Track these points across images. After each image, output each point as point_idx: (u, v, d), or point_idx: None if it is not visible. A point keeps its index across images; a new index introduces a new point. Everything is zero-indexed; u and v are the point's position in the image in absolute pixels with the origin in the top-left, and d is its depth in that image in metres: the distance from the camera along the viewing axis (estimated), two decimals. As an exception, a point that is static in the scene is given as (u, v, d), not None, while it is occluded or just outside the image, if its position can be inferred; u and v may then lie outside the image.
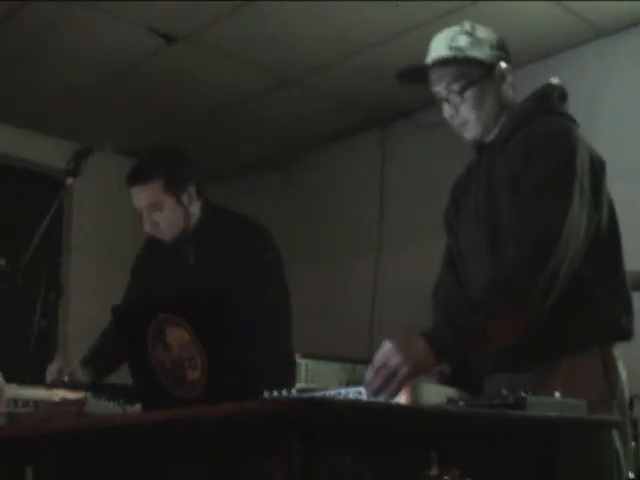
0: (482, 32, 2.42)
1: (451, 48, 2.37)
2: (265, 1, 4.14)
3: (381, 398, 1.86)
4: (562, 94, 2.44)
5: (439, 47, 2.40)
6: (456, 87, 2.37)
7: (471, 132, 2.41)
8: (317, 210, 5.90)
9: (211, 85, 5.05)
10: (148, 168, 3.23)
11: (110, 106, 5.31)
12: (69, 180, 3.23)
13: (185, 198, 3.23)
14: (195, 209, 3.27)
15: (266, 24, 4.35)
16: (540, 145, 2.26)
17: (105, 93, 5.12)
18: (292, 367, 3.54)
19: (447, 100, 2.40)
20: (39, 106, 5.31)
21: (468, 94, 2.36)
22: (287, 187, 6.15)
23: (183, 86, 5.07)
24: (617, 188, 2.39)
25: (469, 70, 2.37)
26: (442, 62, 2.38)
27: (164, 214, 3.21)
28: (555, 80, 2.46)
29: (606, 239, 2.27)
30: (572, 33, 4.46)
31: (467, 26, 2.42)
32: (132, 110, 5.39)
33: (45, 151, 5.62)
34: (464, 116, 2.39)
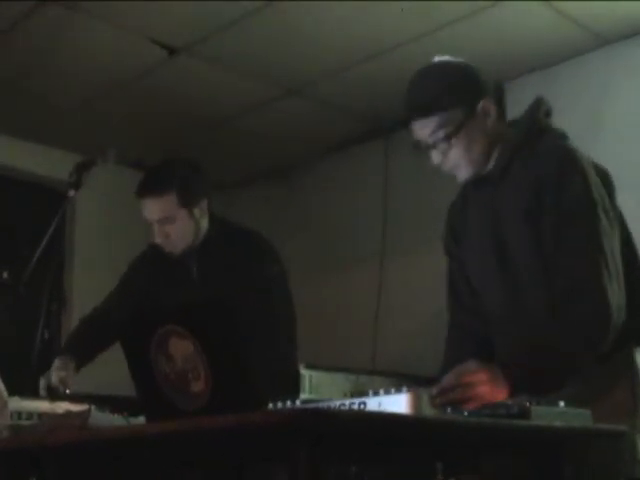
0: (457, 71, 2.36)
1: (431, 98, 2.32)
2: (267, 10, 4.14)
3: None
4: (547, 110, 2.41)
5: (419, 98, 2.35)
6: (441, 134, 2.32)
7: (463, 174, 2.38)
8: (321, 219, 5.90)
9: (214, 95, 5.05)
10: (162, 180, 3.17)
11: (113, 117, 5.31)
12: (71, 192, 3.23)
13: (197, 212, 3.20)
14: (205, 222, 3.25)
15: (269, 34, 4.35)
16: (551, 176, 2.23)
17: (108, 104, 5.13)
18: (297, 379, 3.55)
19: (434, 147, 2.35)
20: (41, 118, 5.31)
21: (454, 141, 2.32)
22: (291, 196, 6.15)
23: (186, 97, 5.07)
24: (621, 197, 2.38)
25: (453, 115, 2.31)
26: (424, 115, 2.33)
27: (176, 227, 3.17)
28: (539, 96, 2.42)
29: (623, 248, 2.26)
30: (575, 42, 4.45)
31: (442, 69, 2.37)
32: (135, 121, 5.39)
33: (47, 163, 5.62)
34: (454, 160, 2.36)
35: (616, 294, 2.12)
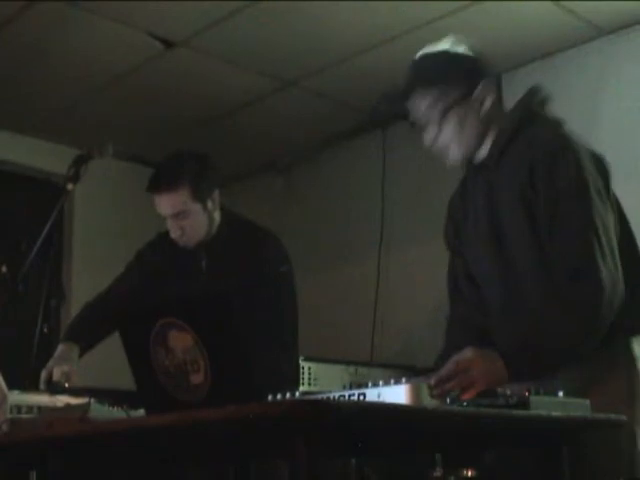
0: (462, 51, 2.38)
1: (433, 69, 2.35)
2: (264, 2, 4.13)
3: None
4: (543, 98, 2.42)
5: (422, 68, 2.38)
6: (438, 108, 2.34)
7: (453, 156, 2.39)
8: (319, 212, 5.90)
9: (211, 89, 5.04)
10: (175, 175, 3.16)
11: (110, 111, 5.30)
12: (69, 186, 3.22)
13: (210, 204, 3.20)
14: (217, 215, 3.25)
15: (265, 27, 4.34)
16: (545, 162, 2.24)
17: (105, 98, 5.12)
18: (297, 377, 3.56)
19: (427, 125, 2.37)
20: (39, 112, 5.30)
21: (448, 118, 2.34)
22: (289, 189, 6.15)
23: (183, 90, 5.06)
24: (618, 186, 2.38)
25: (451, 91, 2.34)
26: (423, 87, 2.36)
27: (191, 221, 3.17)
28: (536, 85, 2.43)
29: (620, 236, 2.27)
30: (572, 32, 4.45)
31: (448, 46, 2.39)
32: (132, 115, 5.38)
33: (45, 157, 5.62)
34: (444, 140, 2.37)
35: (611, 272, 2.13)
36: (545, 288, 2.20)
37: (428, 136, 2.39)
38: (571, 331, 2.11)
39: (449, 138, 2.36)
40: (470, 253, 2.48)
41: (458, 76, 2.35)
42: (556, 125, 2.36)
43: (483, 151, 2.40)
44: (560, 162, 2.22)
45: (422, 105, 2.36)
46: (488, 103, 2.37)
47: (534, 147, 2.28)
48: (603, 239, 2.15)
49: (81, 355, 3.22)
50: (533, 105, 2.39)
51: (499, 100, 2.41)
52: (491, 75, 2.41)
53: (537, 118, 2.37)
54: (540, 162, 2.24)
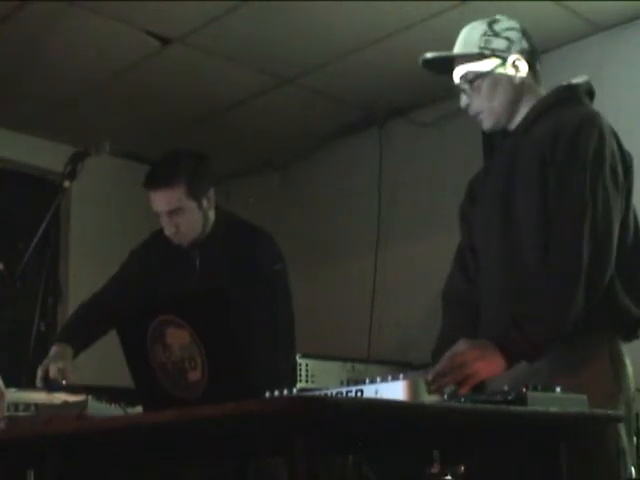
0: (504, 24, 2.48)
1: (466, 44, 2.44)
2: (261, 1, 4.13)
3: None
4: (589, 91, 2.48)
5: (468, 42, 2.45)
6: (471, 75, 2.42)
7: (485, 122, 2.47)
8: (315, 209, 5.90)
9: (208, 86, 5.04)
10: (171, 172, 3.17)
11: (107, 109, 5.30)
12: (66, 183, 3.21)
13: (205, 202, 3.20)
14: (212, 213, 3.26)
15: (262, 24, 4.34)
16: (569, 131, 2.28)
17: (102, 95, 5.12)
18: (294, 374, 3.56)
19: (464, 89, 2.46)
20: (36, 109, 5.30)
21: (480, 85, 2.42)
22: (285, 186, 6.15)
23: (180, 88, 5.06)
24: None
25: (479, 64, 2.42)
26: (458, 55, 2.45)
27: (185, 218, 3.17)
28: (583, 77, 2.49)
29: (627, 230, 2.29)
30: (569, 28, 4.46)
31: (492, 20, 2.48)
32: (129, 113, 5.38)
33: (42, 154, 5.61)
34: (477, 106, 2.45)
35: (598, 243, 2.15)
36: (541, 260, 2.22)
37: (463, 101, 2.48)
38: (555, 300, 2.13)
39: (480, 105, 2.44)
40: (478, 217, 2.52)
41: (489, 47, 2.42)
42: (592, 110, 2.40)
43: (517, 120, 2.45)
44: (584, 134, 2.26)
45: (458, 72, 2.45)
46: (520, 74, 2.43)
47: (564, 120, 2.33)
48: (599, 211, 2.18)
49: (75, 355, 3.22)
50: (579, 91, 2.45)
51: (535, 72, 2.49)
52: (527, 52, 2.48)
53: (578, 102, 2.42)
54: (565, 131, 2.29)
